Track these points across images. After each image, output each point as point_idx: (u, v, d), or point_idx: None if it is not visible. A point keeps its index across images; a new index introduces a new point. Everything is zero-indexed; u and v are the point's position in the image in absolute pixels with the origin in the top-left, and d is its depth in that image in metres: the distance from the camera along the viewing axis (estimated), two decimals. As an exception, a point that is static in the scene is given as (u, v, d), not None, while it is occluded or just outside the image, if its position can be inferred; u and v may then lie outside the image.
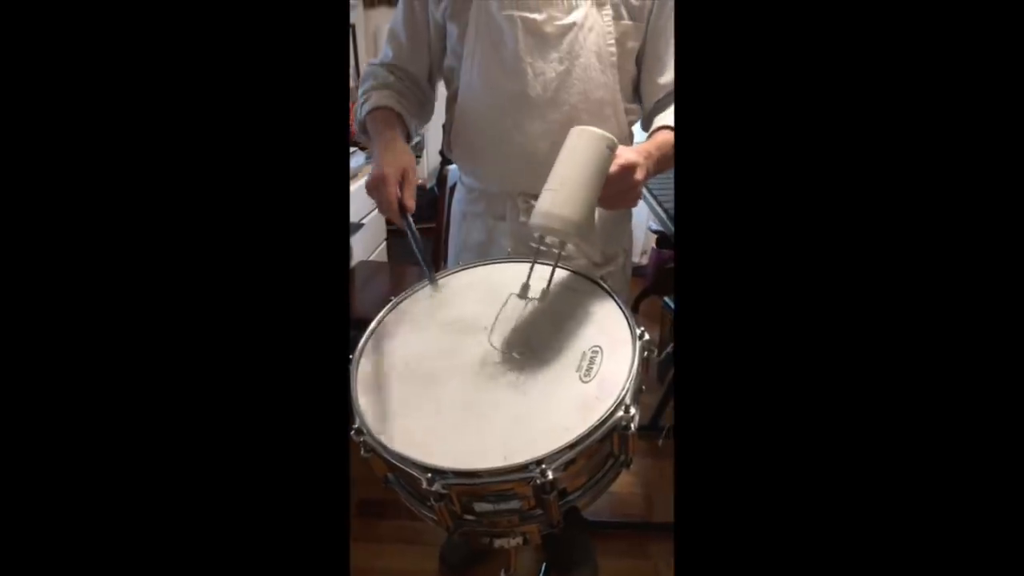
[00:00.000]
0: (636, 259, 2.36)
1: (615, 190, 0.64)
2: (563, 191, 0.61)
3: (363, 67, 2.48)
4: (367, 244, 2.07)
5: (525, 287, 0.65)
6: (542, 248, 0.64)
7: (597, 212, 0.64)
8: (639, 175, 0.66)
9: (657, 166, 0.71)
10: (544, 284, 0.66)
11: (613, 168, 0.63)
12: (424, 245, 0.73)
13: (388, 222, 2.22)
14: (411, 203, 0.69)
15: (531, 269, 0.66)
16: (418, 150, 2.69)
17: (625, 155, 0.64)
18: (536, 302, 0.65)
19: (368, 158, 2.02)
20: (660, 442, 1.38)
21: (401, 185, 0.69)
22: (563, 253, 0.64)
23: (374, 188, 0.69)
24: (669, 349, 1.51)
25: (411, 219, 0.70)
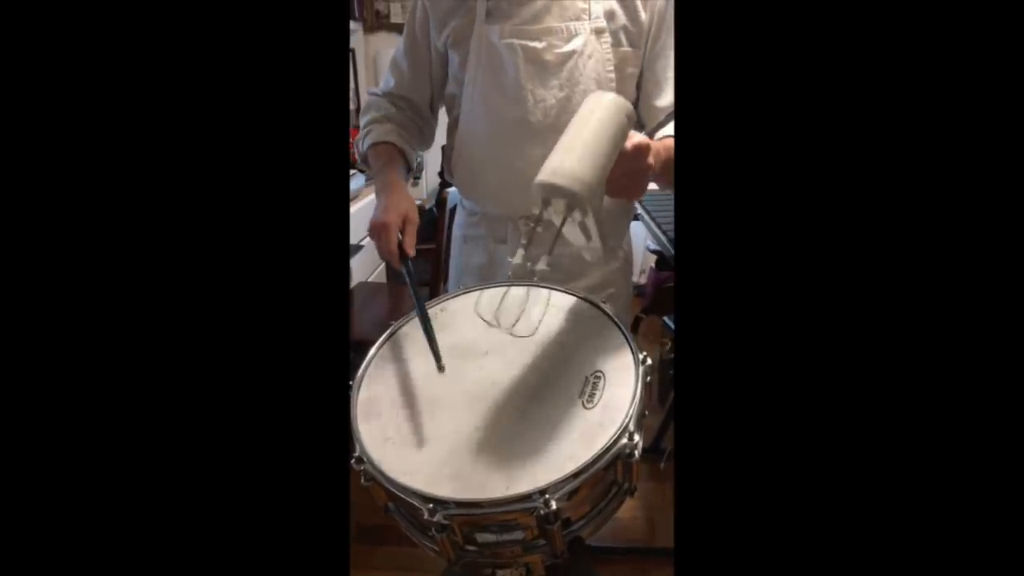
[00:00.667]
0: (635, 279, 2.37)
1: (626, 169, 0.59)
2: (576, 151, 0.55)
3: (363, 90, 2.51)
4: (366, 265, 2.08)
5: (522, 255, 0.58)
6: (545, 216, 0.56)
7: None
8: (651, 160, 0.61)
9: (663, 167, 0.68)
10: (543, 309, 0.66)
11: (628, 145, 0.58)
12: (422, 267, 0.74)
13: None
14: (411, 250, 0.72)
15: (530, 239, 0.57)
16: (417, 171, 2.71)
17: (639, 136, 0.60)
18: (536, 327, 0.65)
19: (368, 180, 2.03)
20: (662, 465, 1.36)
21: (402, 231, 0.72)
22: (569, 217, 0.56)
23: (376, 235, 0.72)
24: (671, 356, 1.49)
25: (411, 265, 0.73)
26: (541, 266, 0.56)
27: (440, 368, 0.63)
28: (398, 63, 0.88)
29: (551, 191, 0.55)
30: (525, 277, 0.57)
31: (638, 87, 0.83)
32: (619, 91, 0.80)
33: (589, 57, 0.77)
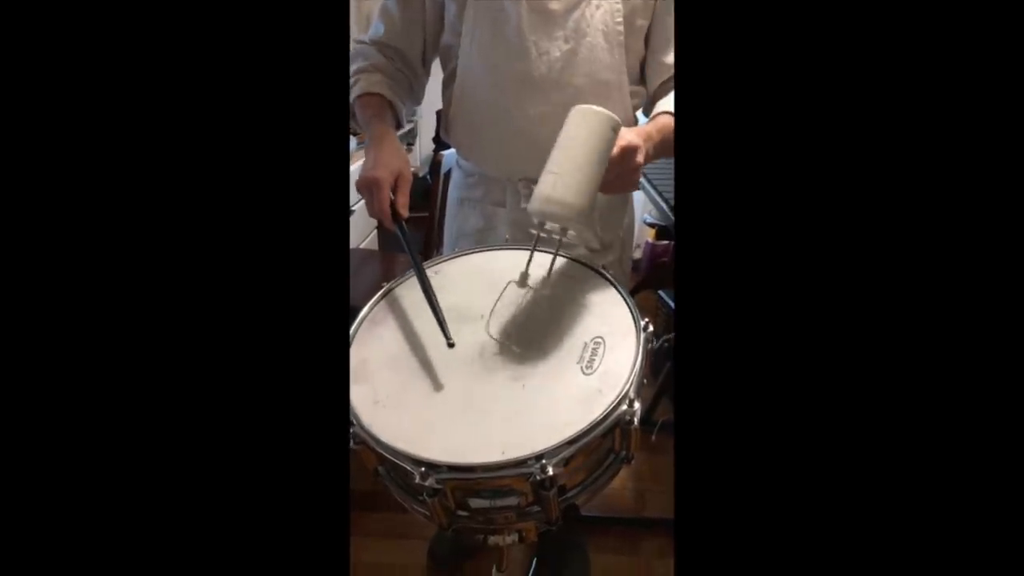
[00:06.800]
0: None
1: (615, 173, 0.61)
2: (565, 175, 0.58)
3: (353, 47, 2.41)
4: (357, 232, 2.04)
5: (524, 276, 0.61)
6: (542, 235, 0.62)
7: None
8: (640, 158, 0.63)
9: (657, 150, 0.68)
10: (543, 272, 0.64)
11: (615, 150, 0.60)
12: (415, 236, 0.70)
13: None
14: (405, 210, 0.67)
15: (530, 257, 0.62)
16: (411, 137, 2.64)
17: (627, 137, 0.62)
18: (535, 291, 0.63)
19: (359, 144, 1.98)
20: (653, 437, 1.36)
21: (395, 189, 0.67)
22: (563, 239, 0.62)
23: (366, 191, 0.67)
24: (663, 340, 1.49)
25: (404, 225, 0.68)
26: (545, 291, 0.63)
27: (450, 344, 0.57)
28: (388, 10, 0.82)
29: (544, 217, 0.59)
30: (529, 294, 0.63)
31: (646, 41, 0.79)
32: (628, 45, 0.76)
33: (597, 7, 0.73)
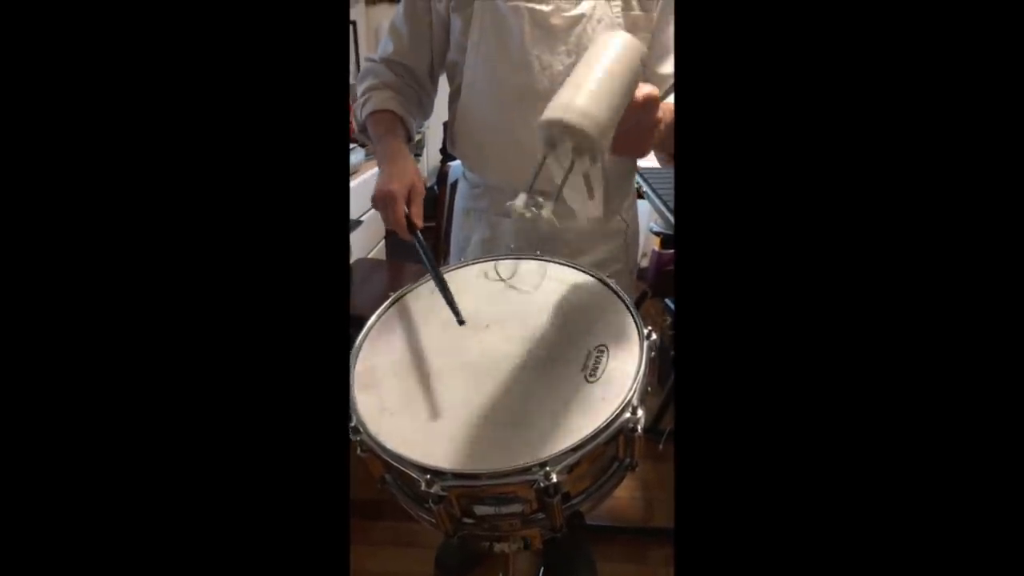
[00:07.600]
0: (637, 261, 2.35)
1: (634, 120, 0.55)
2: (588, 87, 0.50)
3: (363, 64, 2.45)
4: (366, 242, 2.06)
5: (531, 187, 0.54)
6: (548, 159, 0.53)
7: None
8: (659, 115, 0.58)
9: (668, 129, 0.64)
10: (543, 280, 0.64)
11: (639, 95, 0.54)
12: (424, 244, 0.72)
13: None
14: (419, 220, 0.71)
15: (536, 172, 0.54)
16: (418, 148, 2.67)
17: (648, 87, 0.56)
18: (539, 299, 0.64)
19: (368, 155, 2.00)
20: (660, 446, 1.36)
21: (408, 201, 0.71)
22: (577, 162, 0.51)
23: (382, 205, 0.71)
24: (671, 348, 1.49)
25: (420, 235, 0.71)
26: (546, 213, 0.52)
27: (460, 321, 0.63)
28: (397, 28, 0.84)
29: (560, 130, 0.49)
30: (528, 224, 0.54)
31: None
32: None
33: (598, 21, 0.74)
